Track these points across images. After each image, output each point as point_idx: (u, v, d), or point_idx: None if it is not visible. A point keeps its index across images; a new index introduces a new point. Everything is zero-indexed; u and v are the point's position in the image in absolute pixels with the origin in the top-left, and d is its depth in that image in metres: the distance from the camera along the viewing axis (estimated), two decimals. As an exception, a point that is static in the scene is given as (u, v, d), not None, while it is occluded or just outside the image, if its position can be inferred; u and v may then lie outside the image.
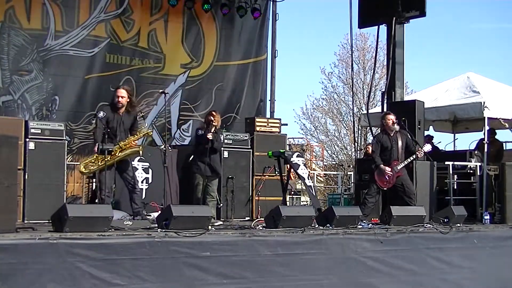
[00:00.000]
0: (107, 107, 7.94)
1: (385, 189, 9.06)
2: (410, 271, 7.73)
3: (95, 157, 7.58)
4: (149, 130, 7.95)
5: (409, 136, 9.21)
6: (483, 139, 10.82)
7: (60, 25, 11.24)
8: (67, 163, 9.28)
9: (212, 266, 6.28)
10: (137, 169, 9.65)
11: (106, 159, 7.37)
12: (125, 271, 5.78)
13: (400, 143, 9.04)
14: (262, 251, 6.66)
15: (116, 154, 7.53)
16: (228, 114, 13.03)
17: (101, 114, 7.68)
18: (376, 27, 11.17)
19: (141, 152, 7.92)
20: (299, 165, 11.12)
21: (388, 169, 8.89)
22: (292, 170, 10.01)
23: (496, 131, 11.74)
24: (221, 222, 8.78)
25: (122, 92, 7.82)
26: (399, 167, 8.95)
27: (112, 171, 7.70)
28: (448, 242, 8.20)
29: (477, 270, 8.39)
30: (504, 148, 12.21)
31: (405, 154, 9.09)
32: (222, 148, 10.29)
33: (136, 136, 7.84)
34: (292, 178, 12.10)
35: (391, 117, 9.09)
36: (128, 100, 7.86)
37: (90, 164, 7.58)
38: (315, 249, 7.03)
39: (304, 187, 10.82)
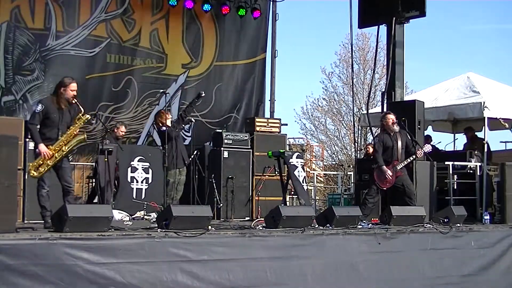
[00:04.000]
0: (48, 100, 7.14)
1: (385, 189, 9.06)
2: (408, 274, 7.72)
3: (42, 158, 6.87)
4: (88, 115, 6.93)
5: (409, 136, 9.20)
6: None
7: (61, 25, 11.25)
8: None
9: (207, 272, 6.22)
10: (137, 169, 9.66)
11: (54, 156, 6.85)
12: (120, 277, 5.76)
13: (400, 142, 9.03)
14: (258, 255, 6.60)
15: (62, 149, 6.93)
16: (228, 114, 13.05)
17: (39, 107, 6.82)
18: (376, 27, 11.17)
19: (85, 138, 7.11)
20: (297, 167, 11.12)
21: (389, 171, 8.88)
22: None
23: (493, 131, 11.71)
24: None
25: (75, 86, 7.07)
26: (399, 167, 8.95)
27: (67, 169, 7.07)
28: (446, 244, 8.19)
29: (475, 272, 8.39)
30: (505, 148, 12.20)
31: (405, 154, 9.08)
32: (222, 148, 10.33)
33: (76, 124, 7.03)
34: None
35: (391, 117, 9.07)
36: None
37: (40, 166, 6.89)
38: (311, 252, 6.98)
39: (294, 189, 10.77)
